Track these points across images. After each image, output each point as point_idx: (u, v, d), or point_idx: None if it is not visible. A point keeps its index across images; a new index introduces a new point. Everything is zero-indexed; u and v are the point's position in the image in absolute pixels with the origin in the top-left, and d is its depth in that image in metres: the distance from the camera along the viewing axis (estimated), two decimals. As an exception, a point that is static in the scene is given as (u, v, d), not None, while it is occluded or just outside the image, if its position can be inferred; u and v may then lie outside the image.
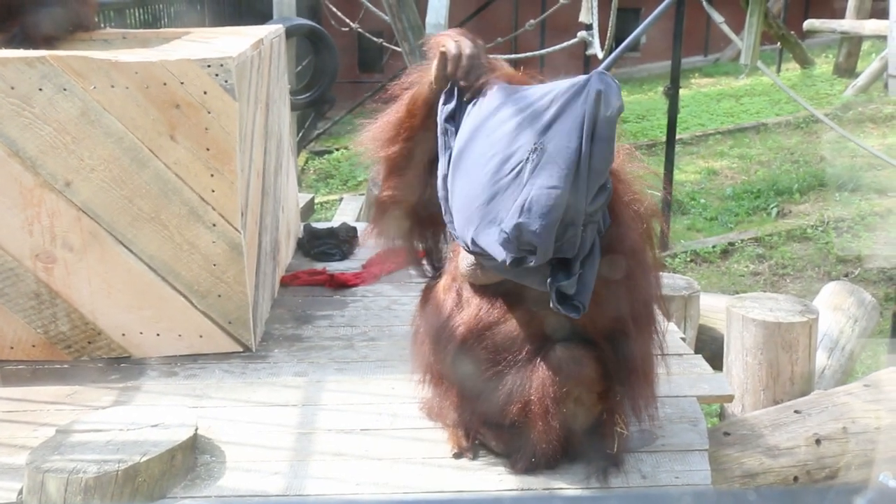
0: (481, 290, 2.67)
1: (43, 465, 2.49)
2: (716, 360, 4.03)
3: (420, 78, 2.66)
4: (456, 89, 2.55)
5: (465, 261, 2.65)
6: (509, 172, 2.33)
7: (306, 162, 12.21)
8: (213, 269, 3.42)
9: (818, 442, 3.20)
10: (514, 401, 2.60)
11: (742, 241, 8.28)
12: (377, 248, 3.10)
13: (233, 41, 3.75)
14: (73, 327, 3.44)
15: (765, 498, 1.04)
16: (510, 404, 2.61)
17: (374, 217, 2.90)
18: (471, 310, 2.65)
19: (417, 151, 2.68)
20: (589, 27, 9.31)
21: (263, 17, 8.55)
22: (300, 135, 9.72)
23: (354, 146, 2.79)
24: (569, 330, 2.58)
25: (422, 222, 2.82)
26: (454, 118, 2.54)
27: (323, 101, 7.81)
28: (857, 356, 4.65)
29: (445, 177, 2.54)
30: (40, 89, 3.21)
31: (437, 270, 2.93)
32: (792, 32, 14.51)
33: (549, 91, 2.39)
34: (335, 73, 7.94)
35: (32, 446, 2.66)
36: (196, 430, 2.75)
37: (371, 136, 2.73)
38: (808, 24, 13.89)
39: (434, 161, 2.63)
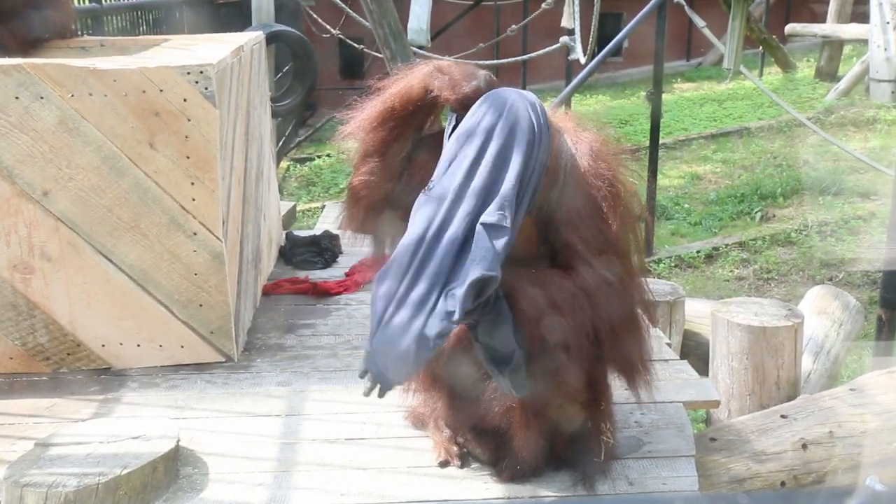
0: None
1: (21, 480, 2.45)
2: (701, 366, 4.02)
3: (413, 75, 2.62)
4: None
5: None
6: None
7: (288, 169, 12.18)
8: (195, 279, 3.39)
9: (805, 446, 3.20)
10: (498, 408, 2.58)
11: (726, 245, 8.31)
12: (352, 243, 3.03)
13: (212, 48, 3.73)
14: (51, 339, 3.39)
15: (757, 501, 1.03)
16: (494, 411, 2.59)
17: (345, 204, 2.82)
18: None
19: (398, 142, 2.64)
20: (571, 32, 9.34)
21: (242, 23, 8.52)
22: (281, 142, 9.70)
23: (340, 136, 2.73)
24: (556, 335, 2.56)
25: (391, 214, 2.78)
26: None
27: (304, 107, 7.79)
28: (842, 360, 4.66)
29: None
30: (17, 98, 3.17)
31: None
32: (774, 36, 14.61)
33: None
34: (315, 79, 7.92)
35: (10, 460, 2.62)
36: (178, 441, 2.72)
37: (357, 124, 2.67)
38: (790, 28, 14.00)
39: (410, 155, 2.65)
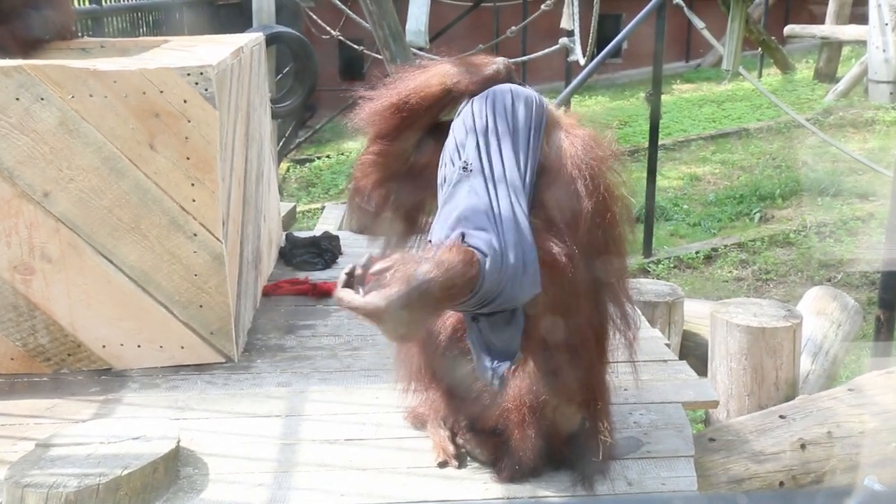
0: None
1: (22, 480, 2.45)
2: (700, 366, 4.03)
3: (434, 71, 2.68)
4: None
5: None
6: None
7: (288, 170, 12.18)
8: (195, 280, 3.39)
9: (803, 447, 3.20)
10: (497, 408, 2.59)
11: (725, 246, 8.30)
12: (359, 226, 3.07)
13: (212, 49, 3.73)
14: (52, 339, 3.40)
15: (755, 501, 1.03)
16: (491, 410, 2.60)
17: (353, 178, 2.88)
18: None
19: (409, 131, 2.69)
20: (570, 33, 9.34)
21: (243, 24, 8.52)
22: (281, 143, 9.70)
23: (351, 122, 2.78)
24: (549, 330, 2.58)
25: (399, 192, 2.81)
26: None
27: (304, 108, 7.80)
28: (840, 360, 4.66)
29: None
30: (17, 99, 3.17)
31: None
32: (773, 38, 14.61)
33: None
34: (315, 80, 7.93)
35: (11, 461, 2.62)
36: (178, 442, 2.72)
37: (370, 110, 2.72)
38: (789, 29, 14.01)
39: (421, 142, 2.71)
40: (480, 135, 2.50)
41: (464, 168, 2.46)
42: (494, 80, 2.65)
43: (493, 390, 2.52)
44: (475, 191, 2.42)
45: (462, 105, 2.63)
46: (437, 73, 2.66)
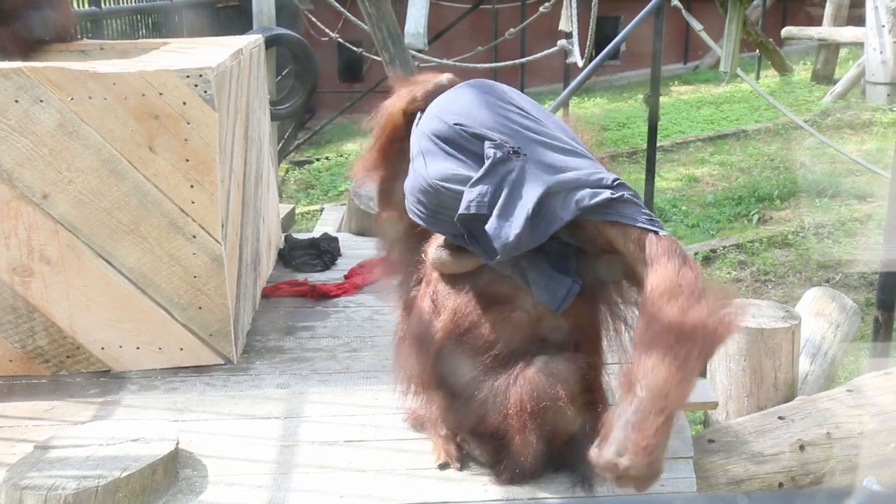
0: (455, 293, 2.66)
1: (21, 482, 2.45)
2: (699, 367, 4.02)
3: (391, 104, 2.79)
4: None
5: (433, 250, 2.70)
6: None
7: (287, 172, 12.17)
8: (194, 282, 3.39)
9: (802, 448, 3.20)
10: (494, 412, 2.59)
11: (724, 247, 8.29)
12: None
13: (212, 51, 3.73)
14: (51, 341, 3.40)
15: (755, 502, 1.03)
16: (490, 415, 2.60)
17: (380, 236, 3.04)
18: (446, 314, 2.65)
19: (399, 152, 2.74)
20: (569, 35, 9.34)
21: (242, 26, 8.53)
22: (281, 145, 9.70)
23: (350, 172, 2.98)
24: (546, 334, 2.58)
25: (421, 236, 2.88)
26: None
27: (303, 110, 7.81)
28: (839, 361, 4.66)
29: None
30: (16, 101, 3.17)
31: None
32: (770, 39, 14.60)
33: None
34: (316, 82, 7.94)
35: (10, 463, 2.62)
36: (177, 444, 2.72)
37: (362, 166, 2.88)
38: (786, 31, 14.01)
39: None
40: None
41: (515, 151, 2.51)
42: (442, 89, 2.72)
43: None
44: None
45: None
46: (395, 101, 2.76)
